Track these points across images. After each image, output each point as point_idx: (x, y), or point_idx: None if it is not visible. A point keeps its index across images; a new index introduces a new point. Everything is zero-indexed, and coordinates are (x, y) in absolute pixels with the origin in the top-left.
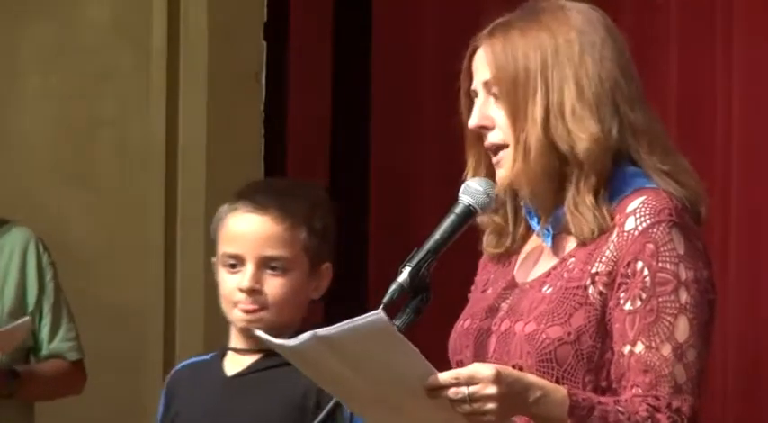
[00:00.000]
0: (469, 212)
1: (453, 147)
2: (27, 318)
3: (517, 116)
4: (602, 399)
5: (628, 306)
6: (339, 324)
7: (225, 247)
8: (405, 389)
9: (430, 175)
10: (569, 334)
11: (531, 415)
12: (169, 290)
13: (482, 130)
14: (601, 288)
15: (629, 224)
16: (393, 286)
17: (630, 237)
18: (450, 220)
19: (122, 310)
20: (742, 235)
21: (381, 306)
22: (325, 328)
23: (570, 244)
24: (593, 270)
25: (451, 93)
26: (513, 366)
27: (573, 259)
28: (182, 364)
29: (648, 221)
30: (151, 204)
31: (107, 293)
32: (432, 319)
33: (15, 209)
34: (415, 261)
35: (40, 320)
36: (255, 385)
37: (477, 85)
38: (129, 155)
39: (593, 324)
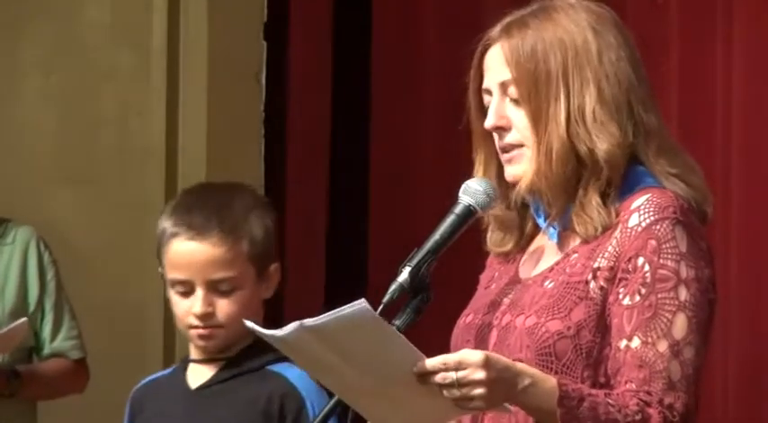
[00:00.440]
0: (469, 212)
1: (453, 147)
2: (24, 319)
3: (539, 118)
4: (593, 391)
5: (626, 301)
6: (324, 314)
7: (172, 273)
8: (394, 375)
9: (430, 175)
10: (569, 328)
11: (519, 403)
12: None
13: (498, 131)
14: (602, 283)
15: (633, 220)
16: (393, 286)
17: (633, 233)
18: (450, 220)
19: (122, 310)
20: (742, 235)
21: (381, 306)
22: (310, 319)
23: (575, 241)
24: (595, 265)
25: (452, 93)
26: (513, 360)
27: (576, 255)
28: (143, 382)
29: (652, 218)
30: (151, 204)
31: (107, 293)
32: (432, 318)
33: (15, 209)
34: (415, 261)
35: (42, 319)
36: (219, 396)
37: (490, 84)
38: (129, 155)
39: (594, 319)
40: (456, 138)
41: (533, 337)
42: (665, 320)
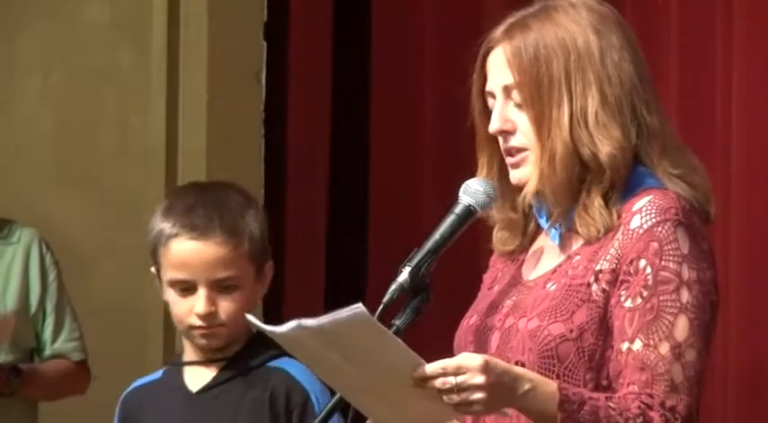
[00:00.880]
0: (469, 212)
1: (453, 147)
2: (9, 311)
3: (542, 122)
4: (594, 394)
5: (628, 303)
6: (322, 317)
7: (173, 273)
8: (393, 379)
9: (430, 175)
10: (571, 331)
11: (519, 407)
12: None
13: (503, 134)
14: (604, 285)
15: (635, 222)
16: (393, 286)
17: (635, 235)
18: (450, 220)
19: (122, 310)
20: (742, 235)
21: (381, 306)
22: (309, 320)
23: (577, 242)
24: (598, 268)
25: (452, 93)
26: (516, 363)
27: (578, 257)
28: (133, 387)
29: (654, 220)
30: (151, 204)
31: (107, 293)
32: (432, 318)
33: (15, 209)
34: (415, 261)
35: (44, 321)
36: (224, 398)
37: (493, 87)
38: (129, 155)
39: (596, 321)
40: (456, 138)
41: (536, 340)
42: (666, 323)
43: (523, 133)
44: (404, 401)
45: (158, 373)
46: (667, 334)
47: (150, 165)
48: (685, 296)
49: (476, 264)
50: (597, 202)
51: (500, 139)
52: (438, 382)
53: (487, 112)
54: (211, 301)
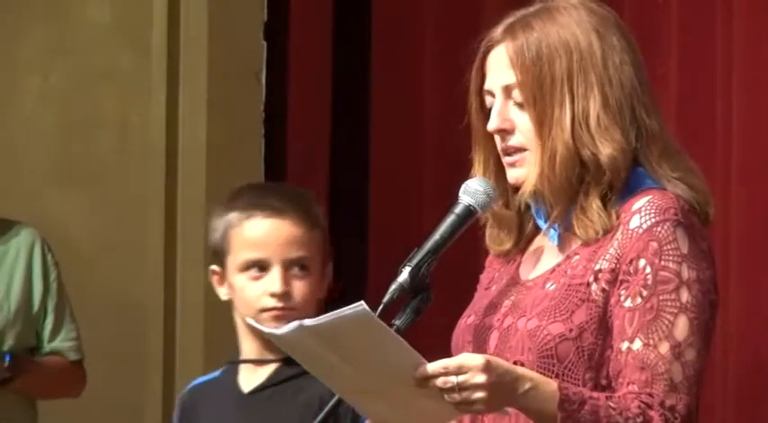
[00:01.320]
0: (469, 212)
1: (453, 147)
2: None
3: (543, 122)
4: (594, 394)
5: (628, 303)
6: (324, 315)
7: (246, 253)
8: (394, 378)
9: (430, 175)
10: (571, 330)
11: (520, 407)
12: (169, 289)
13: (501, 134)
14: (603, 285)
15: (634, 222)
16: (393, 286)
17: (634, 234)
18: (450, 220)
19: (122, 310)
20: (742, 235)
21: (381, 306)
22: (310, 319)
23: (576, 243)
24: (597, 267)
25: (452, 93)
26: (515, 362)
27: (577, 257)
28: (191, 385)
29: (653, 220)
30: (151, 204)
31: (107, 293)
32: (431, 318)
33: (15, 209)
34: (415, 261)
35: (44, 320)
36: (273, 400)
37: (493, 86)
38: (129, 155)
39: (595, 321)
40: (456, 138)
41: (535, 340)
42: (666, 322)
43: (522, 133)
44: (405, 401)
45: (217, 372)
46: (667, 333)
47: (150, 165)
48: (685, 296)
49: (476, 264)
50: (595, 203)
51: (497, 138)
52: (439, 382)
53: (485, 111)
54: (286, 281)
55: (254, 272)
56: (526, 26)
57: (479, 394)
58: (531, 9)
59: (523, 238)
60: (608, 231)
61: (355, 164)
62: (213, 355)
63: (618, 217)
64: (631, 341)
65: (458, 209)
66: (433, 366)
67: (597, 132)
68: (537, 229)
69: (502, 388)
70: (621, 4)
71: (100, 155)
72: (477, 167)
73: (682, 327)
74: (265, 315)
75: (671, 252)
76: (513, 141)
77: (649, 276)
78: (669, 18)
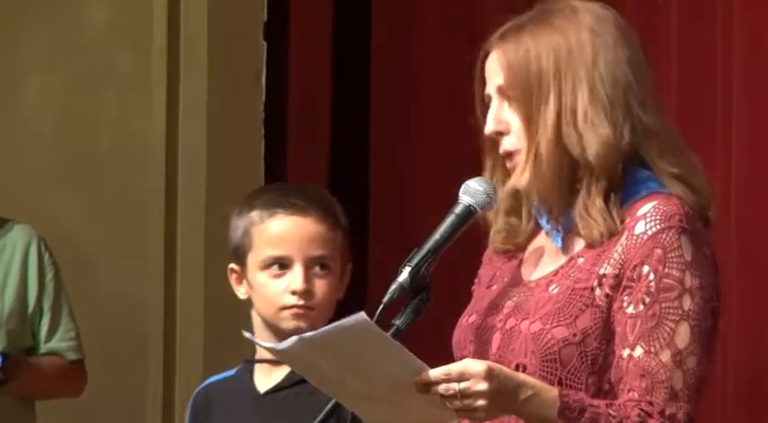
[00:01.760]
0: (470, 212)
1: (453, 146)
2: None
3: (530, 120)
4: (595, 401)
5: (630, 310)
6: (323, 328)
7: (270, 250)
8: (396, 385)
9: (430, 176)
10: (574, 335)
11: (520, 413)
12: (169, 289)
13: (497, 136)
14: (607, 290)
15: (639, 228)
16: (393, 286)
17: (639, 240)
18: (450, 220)
19: (122, 310)
20: (742, 235)
21: (381, 306)
22: (309, 332)
23: (579, 244)
24: (601, 272)
25: (452, 92)
26: (517, 365)
27: (581, 259)
28: (205, 384)
29: (658, 226)
30: (151, 204)
31: (107, 293)
32: (431, 318)
33: (15, 209)
34: (415, 261)
35: (40, 320)
36: (289, 402)
37: (490, 90)
38: (129, 155)
39: (599, 326)
40: (456, 137)
41: (538, 344)
42: (668, 330)
43: (515, 134)
44: (406, 407)
45: (232, 371)
46: (668, 341)
47: (150, 165)
48: (687, 303)
49: (476, 264)
50: (598, 203)
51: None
52: (441, 388)
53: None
54: (308, 279)
55: (275, 269)
56: (518, 29)
57: (481, 402)
58: (528, 14)
59: (527, 236)
60: (613, 235)
61: (355, 164)
62: (213, 355)
63: (622, 221)
64: (633, 348)
65: (458, 209)
66: (434, 373)
67: (584, 128)
68: (537, 227)
69: (503, 395)
70: (622, 4)
71: (100, 155)
72: (486, 173)
73: (683, 334)
74: (286, 313)
75: (675, 259)
76: (507, 144)
77: (652, 283)
78: (669, 18)
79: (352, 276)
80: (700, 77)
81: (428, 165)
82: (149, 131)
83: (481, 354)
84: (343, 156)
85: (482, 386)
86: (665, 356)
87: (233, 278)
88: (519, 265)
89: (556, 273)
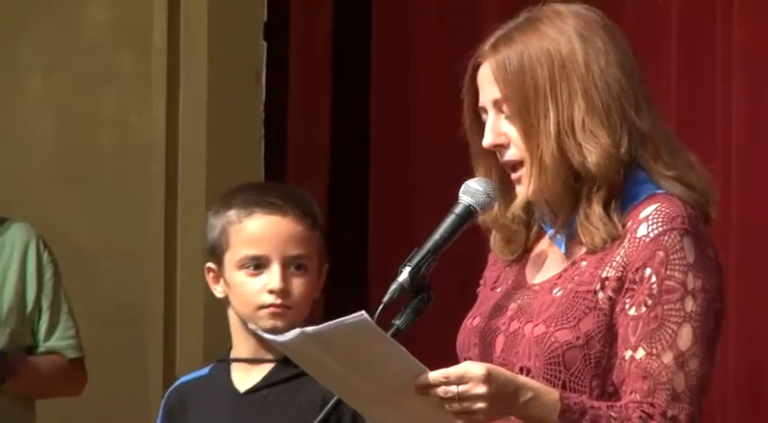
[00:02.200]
0: (469, 212)
1: (453, 147)
2: None
3: (530, 134)
4: (595, 403)
5: (632, 312)
6: (325, 324)
7: (247, 250)
8: (395, 386)
9: (430, 176)
10: (578, 338)
11: (521, 416)
12: (169, 290)
13: (497, 149)
14: (610, 293)
15: (641, 231)
16: (393, 286)
17: (641, 243)
18: (450, 220)
19: (122, 310)
20: (742, 235)
21: (381, 306)
22: (312, 327)
23: (582, 248)
24: (604, 275)
25: (452, 93)
26: (521, 368)
27: (584, 263)
28: (178, 383)
29: (660, 228)
30: (151, 204)
31: (107, 293)
32: (431, 318)
33: (15, 208)
34: (415, 261)
35: (39, 318)
36: (271, 401)
37: (485, 102)
38: (129, 155)
39: (602, 329)
40: (456, 138)
41: (542, 347)
42: (670, 332)
43: (516, 145)
44: (406, 408)
45: (205, 370)
46: (670, 343)
47: (150, 165)
48: (690, 305)
49: (476, 264)
50: (597, 210)
51: (498, 154)
52: (440, 391)
53: (480, 126)
54: (285, 278)
55: (252, 268)
56: (508, 40)
57: (480, 405)
58: (517, 21)
59: (530, 241)
60: (615, 239)
61: (355, 164)
62: (213, 355)
63: (624, 225)
64: (635, 350)
65: (458, 209)
66: (433, 375)
67: (583, 138)
68: (541, 231)
69: (503, 398)
70: (622, 4)
71: (100, 155)
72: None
73: (685, 336)
74: (263, 312)
75: (677, 261)
76: (510, 155)
77: (655, 285)
78: (669, 18)
79: (353, 276)
80: (700, 77)
81: (428, 165)
82: (149, 131)
83: (485, 356)
84: (343, 156)
85: (481, 389)
86: (667, 358)
87: (210, 277)
88: (523, 268)
89: (559, 276)
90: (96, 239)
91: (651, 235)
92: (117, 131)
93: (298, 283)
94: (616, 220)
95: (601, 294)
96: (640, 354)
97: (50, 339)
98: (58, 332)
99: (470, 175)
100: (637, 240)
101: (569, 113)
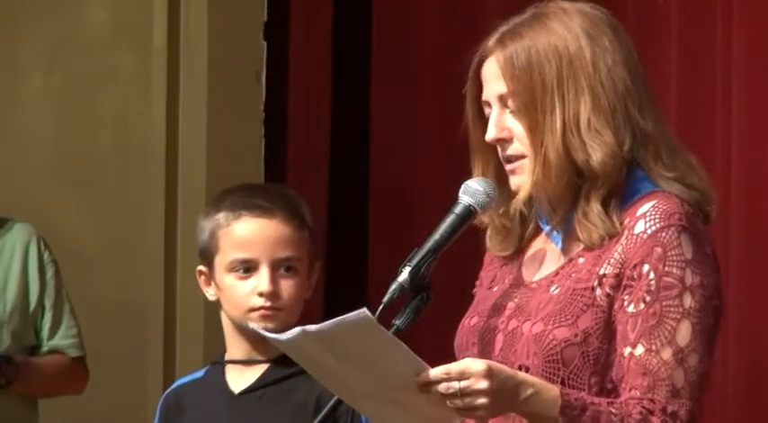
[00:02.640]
0: (469, 212)
1: (453, 147)
2: None
3: (536, 129)
4: (596, 399)
5: (631, 308)
6: (326, 322)
7: (235, 253)
8: (397, 383)
9: (430, 176)
10: (576, 335)
11: (522, 412)
12: (169, 289)
13: (500, 143)
14: (608, 290)
15: (639, 227)
16: (393, 286)
17: (639, 240)
18: (450, 220)
19: (122, 310)
20: (742, 234)
21: (381, 306)
22: (313, 325)
23: (579, 245)
24: (601, 272)
25: (452, 93)
26: (520, 366)
27: (582, 260)
28: (175, 386)
29: (658, 225)
30: (151, 204)
31: (107, 293)
32: (431, 318)
33: (15, 208)
34: (415, 261)
35: (42, 318)
36: (266, 401)
37: (489, 96)
38: (129, 155)
39: (600, 326)
40: (456, 137)
41: (540, 345)
42: (669, 328)
43: (520, 140)
44: (408, 406)
45: (200, 373)
46: (669, 339)
47: (150, 165)
48: (688, 301)
49: (476, 264)
50: (596, 208)
51: (498, 148)
52: (442, 387)
53: (482, 120)
54: (274, 281)
55: (242, 272)
56: (515, 35)
57: (481, 400)
58: (523, 16)
59: (525, 239)
60: (612, 236)
61: (355, 164)
62: (213, 355)
63: (621, 222)
64: (634, 346)
65: (458, 209)
66: (435, 372)
67: (588, 136)
68: (538, 229)
69: (504, 394)
70: (623, 4)
71: (100, 155)
72: (477, 172)
73: (684, 332)
74: (253, 314)
75: (675, 258)
76: (512, 150)
77: (653, 282)
78: (669, 18)
79: (353, 276)
80: (699, 77)
81: (428, 165)
82: (149, 131)
83: (484, 356)
84: (343, 156)
85: (482, 384)
86: (667, 354)
87: (202, 280)
88: (520, 267)
89: (556, 273)
90: (96, 239)
91: (649, 232)
92: (117, 131)
93: (287, 285)
94: (614, 217)
95: (599, 291)
96: (639, 350)
97: (54, 338)
98: (61, 331)
99: (470, 176)
100: (634, 237)
101: (575, 111)
